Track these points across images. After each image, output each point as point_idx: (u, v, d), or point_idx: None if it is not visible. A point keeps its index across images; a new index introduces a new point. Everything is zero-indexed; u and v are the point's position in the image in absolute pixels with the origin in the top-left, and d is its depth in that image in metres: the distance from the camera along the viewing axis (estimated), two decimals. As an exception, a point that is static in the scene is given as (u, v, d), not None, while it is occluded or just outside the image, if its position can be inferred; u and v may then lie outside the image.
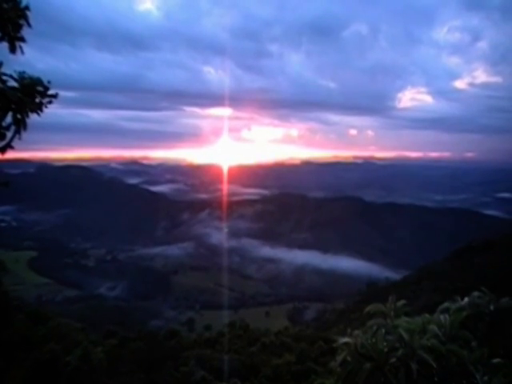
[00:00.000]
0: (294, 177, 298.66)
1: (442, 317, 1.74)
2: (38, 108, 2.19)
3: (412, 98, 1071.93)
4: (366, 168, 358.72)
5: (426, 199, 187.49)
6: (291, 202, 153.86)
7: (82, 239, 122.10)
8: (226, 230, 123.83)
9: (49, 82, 2.09)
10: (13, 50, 2.23)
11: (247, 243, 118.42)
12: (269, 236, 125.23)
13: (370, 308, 1.90)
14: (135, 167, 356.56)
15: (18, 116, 2.15)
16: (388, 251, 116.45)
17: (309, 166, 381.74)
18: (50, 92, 2.11)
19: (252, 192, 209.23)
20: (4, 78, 2.10)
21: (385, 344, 1.61)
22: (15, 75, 2.14)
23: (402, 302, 1.88)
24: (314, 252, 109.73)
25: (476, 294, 1.96)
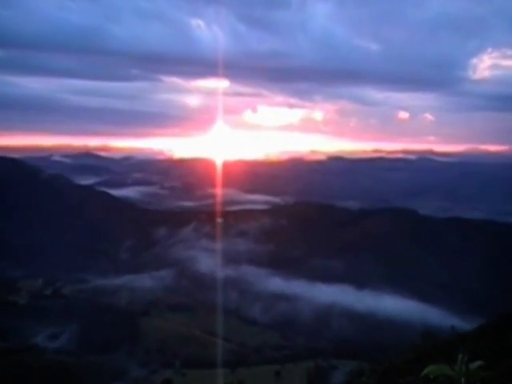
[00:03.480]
0: (317, 178, 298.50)
1: None
2: None
3: (493, 64, 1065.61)
4: (421, 167, 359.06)
5: (509, 213, 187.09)
6: (312, 214, 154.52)
7: (10, 264, 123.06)
8: (219, 252, 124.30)
9: None
10: None
11: (249, 272, 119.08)
12: (280, 262, 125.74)
13: (429, 370, 1.85)
14: (89, 161, 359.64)
15: None
16: (453, 288, 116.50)
17: (338, 164, 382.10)
18: None
19: (257, 199, 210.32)
20: None
21: None
22: None
23: (478, 363, 1.84)
24: (344, 286, 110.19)
25: None
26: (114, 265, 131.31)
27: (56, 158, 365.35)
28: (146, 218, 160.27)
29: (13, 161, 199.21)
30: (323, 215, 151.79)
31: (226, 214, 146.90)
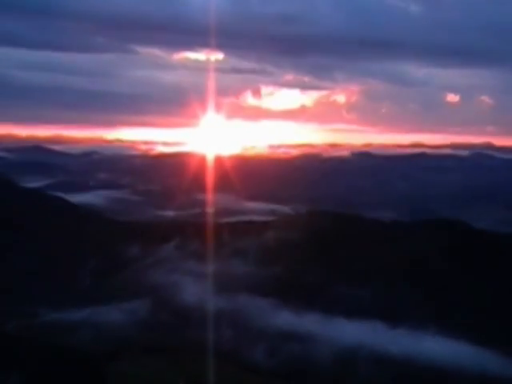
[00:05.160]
0: (338, 180, 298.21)
1: None
2: None
3: None
4: (475, 166, 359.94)
5: None
6: (331, 227, 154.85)
7: None
8: (210, 277, 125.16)
9: None
10: None
11: (249, 304, 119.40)
12: (290, 291, 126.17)
13: None
14: (39, 157, 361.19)
15: None
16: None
17: (366, 161, 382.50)
18: None
19: (259, 208, 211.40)
20: None
21: None
22: None
23: None
24: (373, 323, 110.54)
25: None
26: (72, 293, 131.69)
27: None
28: (113, 232, 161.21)
29: None
30: (346, 229, 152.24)
31: (218, 227, 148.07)
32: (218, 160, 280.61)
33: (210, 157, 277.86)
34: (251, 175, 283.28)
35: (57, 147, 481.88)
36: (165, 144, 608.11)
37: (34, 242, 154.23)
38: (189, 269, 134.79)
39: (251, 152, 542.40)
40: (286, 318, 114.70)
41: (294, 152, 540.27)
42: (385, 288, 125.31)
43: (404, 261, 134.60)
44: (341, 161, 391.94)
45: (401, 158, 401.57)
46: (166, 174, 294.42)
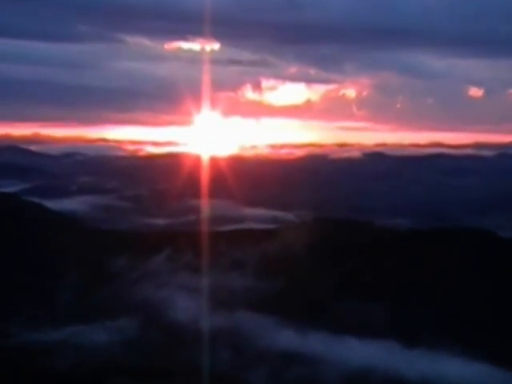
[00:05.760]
0: (348, 184, 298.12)
1: None
2: None
3: None
4: (502, 168, 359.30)
5: None
6: (340, 236, 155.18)
7: None
8: (204, 292, 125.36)
9: None
10: None
11: (249, 321, 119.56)
12: (293, 307, 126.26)
13: None
14: (14, 158, 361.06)
15: None
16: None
17: (379, 163, 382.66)
18: None
19: (260, 215, 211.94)
20: None
21: None
22: None
23: None
24: (387, 343, 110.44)
25: None
26: (51, 311, 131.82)
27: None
28: (97, 243, 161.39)
29: None
30: (356, 238, 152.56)
31: (214, 237, 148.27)
32: (214, 161, 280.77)
33: (205, 158, 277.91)
34: (251, 178, 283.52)
35: (34, 147, 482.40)
36: (155, 144, 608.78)
37: (7, 255, 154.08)
38: (181, 283, 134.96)
39: (251, 152, 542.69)
40: (289, 338, 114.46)
41: (299, 153, 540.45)
42: (400, 304, 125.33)
43: (421, 274, 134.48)
44: (350, 162, 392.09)
45: (417, 160, 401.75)
46: (157, 177, 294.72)
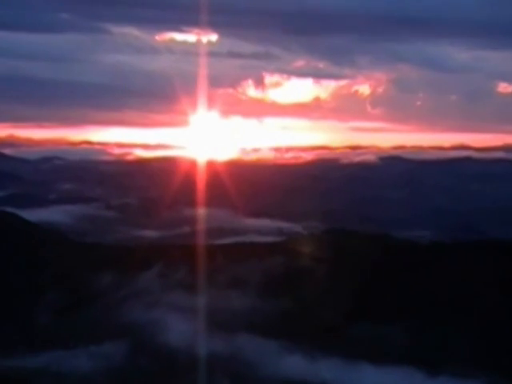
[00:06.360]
0: (362, 191, 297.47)
1: None
2: None
3: None
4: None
5: None
6: (354, 250, 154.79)
7: None
8: (201, 313, 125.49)
9: None
10: None
11: (251, 346, 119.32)
12: (301, 330, 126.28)
13: None
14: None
15: None
16: None
17: (397, 168, 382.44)
18: None
19: (264, 226, 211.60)
20: None
21: None
22: None
23: None
24: (407, 370, 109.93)
25: None
26: (28, 334, 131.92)
27: None
28: (80, 258, 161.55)
29: None
30: (372, 253, 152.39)
31: (212, 251, 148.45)
32: (212, 166, 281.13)
33: (202, 162, 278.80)
34: (253, 185, 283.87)
35: (9, 151, 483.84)
36: (145, 147, 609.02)
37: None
38: (175, 302, 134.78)
39: (253, 156, 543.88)
40: (296, 364, 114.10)
41: (306, 156, 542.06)
42: (421, 326, 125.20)
43: (444, 292, 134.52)
44: (364, 167, 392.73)
45: (440, 164, 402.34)
46: (147, 184, 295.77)
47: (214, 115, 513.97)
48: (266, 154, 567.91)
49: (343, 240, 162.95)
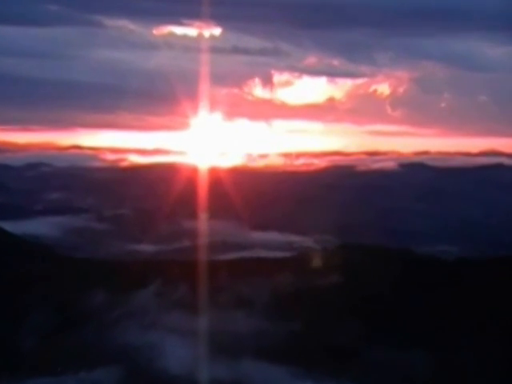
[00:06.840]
0: (381, 202, 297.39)
1: None
2: None
3: None
4: None
5: None
6: (370, 266, 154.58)
7: None
8: (202, 337, 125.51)
9: None
10: None
11: (257, 372, 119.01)
12: (314, 355, 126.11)
13: None
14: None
15: None
16: None
17: (420, 175, 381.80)
18: None
19: (272, 240, 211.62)
20: None
21: None
22: None
23: None
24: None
25: None
26: (11, 360, 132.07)
27: None
28: (69, 274, 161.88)
29: None
30: (391, 270, 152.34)
31: (215, 267, 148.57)
32: (215, 174, 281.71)
33: (204, 169, 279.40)
34: (260, 195, 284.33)
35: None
36: (141, 152, 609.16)
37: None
38: (173, 324, 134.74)
39: (260, 163, 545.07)
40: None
41: (319, 163, 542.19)
42: (445, 351, 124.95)
43: (472, 314, 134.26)
44: (384, 175, 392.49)
45: (468, 171, 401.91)
46: (143, 193, 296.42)
47: (217, 117, 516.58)
48: (275, 161, 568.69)
49: (359, 256, 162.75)
